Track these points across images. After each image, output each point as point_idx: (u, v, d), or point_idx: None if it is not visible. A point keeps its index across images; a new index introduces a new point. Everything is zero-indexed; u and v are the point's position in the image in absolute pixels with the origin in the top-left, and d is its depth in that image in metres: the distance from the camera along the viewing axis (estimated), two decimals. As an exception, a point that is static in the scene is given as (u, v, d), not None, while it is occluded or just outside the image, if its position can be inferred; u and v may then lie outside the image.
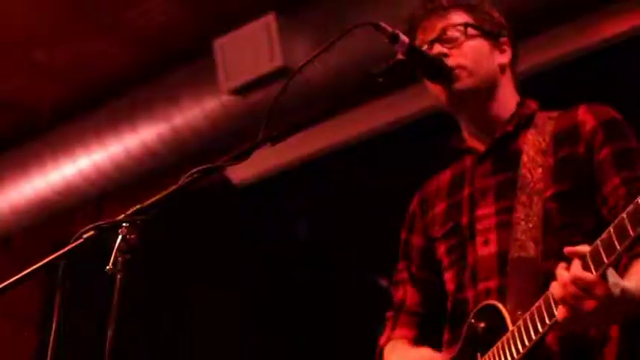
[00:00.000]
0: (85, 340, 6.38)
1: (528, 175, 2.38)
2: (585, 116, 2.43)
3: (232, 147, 2.32)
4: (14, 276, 2.20)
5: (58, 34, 5.89)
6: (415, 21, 2.64)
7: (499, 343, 2.22)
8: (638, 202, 1.87)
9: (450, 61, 2.52)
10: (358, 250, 5.68)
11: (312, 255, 5.94)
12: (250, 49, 5.45)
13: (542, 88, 2.73)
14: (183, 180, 2.18)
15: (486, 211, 2.47)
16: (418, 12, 2.65)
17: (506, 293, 2.30)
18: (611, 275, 1.95)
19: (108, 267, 2.03)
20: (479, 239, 2.46)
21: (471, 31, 2.58)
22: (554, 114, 2.52)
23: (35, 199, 6.44)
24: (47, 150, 6.34)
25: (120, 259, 2.05)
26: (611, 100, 2.56)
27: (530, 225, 2.11)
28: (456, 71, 2.51)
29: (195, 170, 2.19)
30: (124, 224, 2.08)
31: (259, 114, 5.38)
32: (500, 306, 2.27)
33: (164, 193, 2.15)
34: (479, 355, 2.29)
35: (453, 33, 2.57)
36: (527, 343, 2.13)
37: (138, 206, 2.12)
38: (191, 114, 5.78)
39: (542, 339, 2.14)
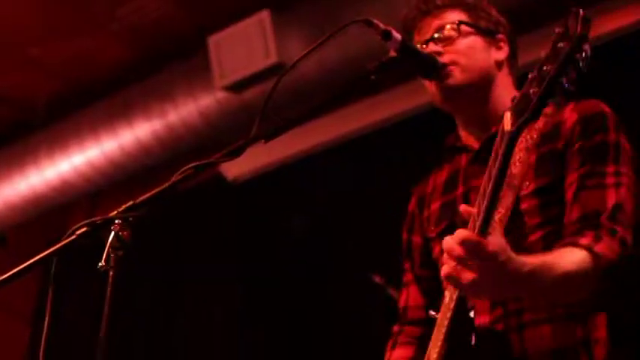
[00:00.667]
0: (81, 335, 6.41)
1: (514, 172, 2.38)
2: (570, 113, 2.41)
3: (227, 144, 2.31)
4: (9, 271, 2.20)
5: (53, 31, 5.90)
6: (411, 22, 2.64)
7: (435, 327, 2.21)
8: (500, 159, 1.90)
9: (444, 59, 2.51)
10: (353, 247, 5.68)
11: (307, 251, 5.94)
12: (245, 46, 5.45)
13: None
14: (176, 176, 2.18)
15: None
16: (413, 13, 2.64)
17: None
18: (494, 239, 1.90)
19: (100, 264, 2.03)
20: None
21: (464, 28, 2.57)
22: (550, 109, 2.51)
23: (30, 195, 6.44)
24: (42, 146, 6.34)
25: (112, 255, 2.05)
26: (612, 94, 2.54)
27: (497, 217, 2.10)
28: (449, 68, 2.50)
29: (188, 167, 2.19)
30: (116, 221, 2.07)
31: (254, 110, 5.37)
32: (446, 290, 2.19)
33: (157, 189, 2.15)
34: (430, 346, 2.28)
35: (447, 31, 2.56)
36: (448, 316, 2.10)
37: (131, 202, 2.12)
38: (186, 110, 5.78)
39: (461, 310, 2.11)
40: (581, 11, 1.81)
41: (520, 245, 2.25)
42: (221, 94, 5.64)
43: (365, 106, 5.76)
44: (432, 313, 2.24)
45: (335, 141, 6.00)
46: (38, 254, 2.17)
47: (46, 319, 2.13)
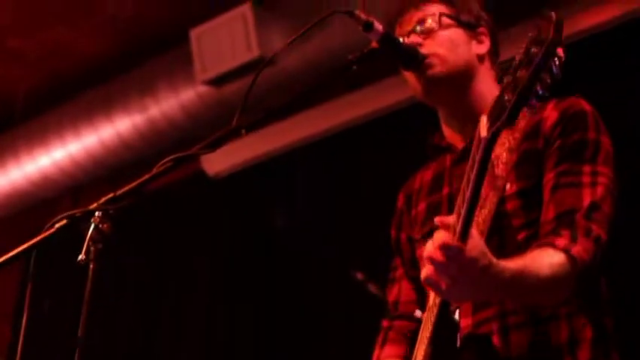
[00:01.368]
0: (61, 331, 6.38)
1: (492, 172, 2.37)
2: (551, 112, 2.40)
3: (205, 139, 2.29)
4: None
5: (32, 23, 5.86)
6: (394, 16, 2.64)
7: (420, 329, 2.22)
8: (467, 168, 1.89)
9: (424, 50, 2.50)
10: (334, 243, 5.67)
11: (289, 247, 5.93)
12: (227, 39, 5.43)
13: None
14: (157, 168, 2.17)
15: None
16: (396, 7, 2.64)
17: None
18: (473, 243, 1.89)
19: (80, 257, 2.01)
20: None
21: (445, 20, 2.56)
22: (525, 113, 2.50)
23: (10, 190, 6.41)
24: (22, 141, 6.30)
25: (92, 248, 2.03)
26: (591, 90, 2.55)
27: (480, 219, 2.08)
28: (429, 59, 2.49)
29: (168, 158, 2.17)
30: (96, 213, 2.06)
31: (235, 105, 5.30)
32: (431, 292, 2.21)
33: (137, 181, 2.14)
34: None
35: (427, 24, 2.56)
36: (432, 320, 2.12)
37: (111, 195, 2.10)
38: (167, 104, 5.75)
39: (445, 313, 2.11)
40: (553, 14, 1.80)
41: (506, 246, 2.27)
42: (202, 88, 5.61)
43: (346, 101, 5.75)
44: (418, 313, 2.24)
45: (316, 136, 5.98)
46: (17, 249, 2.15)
47: (25, 314, 2.11)
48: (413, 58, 2.47)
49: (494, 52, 2.64)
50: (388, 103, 5.57)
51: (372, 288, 4.35)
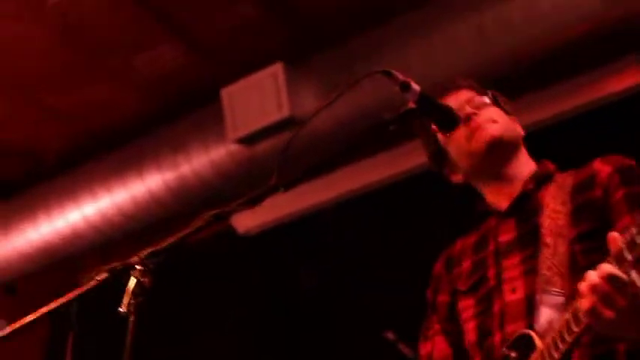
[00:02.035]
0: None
1: (550, 222, 2.42)
2: (601, 166, 2.51)
3: (238, 196, 2.32)
4: (19, 320, 2.18)
5: (67, 80, 5.93)
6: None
7: None
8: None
9: (478, 119, 2.64)
10: (364, 303, 5.66)
11: (318, 306, 5.92)
12: (258, 98, 5.47)
13: (544, 145, 2.81)
14: (196, 223, 2.19)
15: (513, 261, 2.51)
16: (440, 90, 2.73)
17: (535, 324, 2.31)
18: (637, 278, 1.95)
19: (121, 309, 2.03)
20: (506, 287, 2.49)
21: (493, 102, 2.74)
22: (572, 172, 2.59)
23: (41, 244, 6.42)
24: (53, 196, 6.34)
25: (132, 301, 2.04)
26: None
27: (556, 262, 2.13)
28: (486, 123, 2.64)
29: (208, 214, 2.19)
30: (137, 267, 2.07)
31: (266, 163, 5.41)
32: (530, 332, 2.29)
33: (177, 235, 2.16)
34: None
35: (477, 101, 2.72)
36: (555, 355, 2.14)
37: (151, 249, 2.12)
38: (198, 162, 5.79)
39: (569, 351, 2.14)
40: None
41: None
42: (233, 147, 5.65)
43: (376, 161, 5.78)
44: (505, 350, 2.29)
45: (345, 195, 6.01)
46: (47, 304, 2.15)
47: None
48: (451, 119, 2.49)
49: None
50: (417, 163, 5.60)
51: (404, 348, 4.33)
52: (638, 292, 1.95)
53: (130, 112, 6.21)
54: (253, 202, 2.28)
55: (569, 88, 5.18)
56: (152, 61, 5.76)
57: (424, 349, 2.77)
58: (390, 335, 4.60)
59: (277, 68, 5.45)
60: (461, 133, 2.63)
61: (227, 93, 5.60)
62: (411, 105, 2.41)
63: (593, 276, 1.99)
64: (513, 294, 2.46)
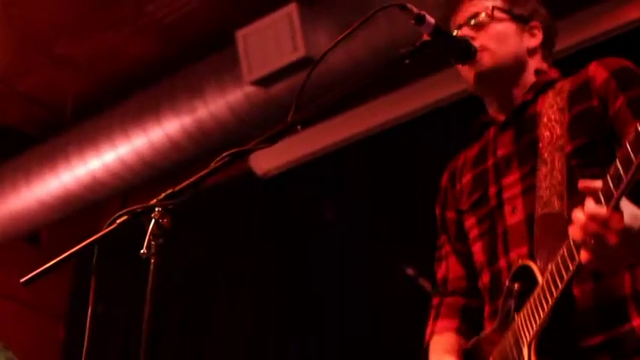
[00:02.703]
0: (115, 327, 6.45)
1: (548, 134, 2.41)
2: (596, 70, 2.45)
3: (256, 138, 2.32)
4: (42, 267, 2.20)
5: (80, 28, 5.93)
6: (451, 9, 2.69)
7: (531, 299, 2.23)
8: (638, 128, 1.85)
9: (475, 43, 2.55)
10: (385, 239, 5.68)
11: (339, 244, 5.95)
12: (273, 40, 5.45)
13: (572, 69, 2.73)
14: (214, 163, 2.19)
15: (512, 178, 2.51)
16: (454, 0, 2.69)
17: (536, 251, 2.31)
18: (626, 207, 1.93)
19: (142, 251, 2.04)
20: (507, 208, 2.49)
21: (498, 14, 2.62)
22: (572, 77, 2.54)
23: (62, 193, 6.46)
24: (73, 144, 6.36)
25: (153, 242, 2.05)
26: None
27: (554, 182, 2.11)
28: (479, 53, 2.54)
29: (226, 154, 2.19)
30: (157, 208, 2.08)
31: (282, 104, 5.40)
32: (531, 264, 2.28)
33: (196, 176, 2.16)
34: (515, 314, 2.30)
35: (480, 17, 2.62)
36: (554, 292, 2.14)
37: (170, 190, 2.12)
38: (214, 105, 5.79)
39: (568, 287, 2.14)
40: None
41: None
42: (250, 89, 5.64)
43: (392, 98, 5.77)
44: (509, 282, 2.29)
45: (363, 134, 6.01)
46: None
47: (90, 308, 2.14)
48: (465, 51, 2.50)
49: (547, 45, 2.69)
50: (434, 98, 5.59)
51: (424, 283, 4.36)
52: (626, 226, 1.93)
53: (144, 59, 6.21)
54: (271, 140, 2.27)
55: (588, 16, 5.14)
56: (165, 7, 5.74)
57: (439, 271, 2.79)
58: (410, 271, 4.62)
59: (292, 9, 5.41)
60: None
61: (242, 35, 5.57)
62: (426, 37, 2.41)
63: (580, 215, 1.96)
64: (514, 215, 2.45)
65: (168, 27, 5.94)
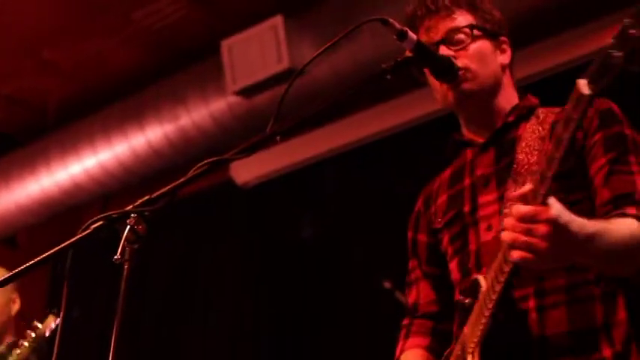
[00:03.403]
0: (88, 331, 6.42)
1: (525, 159, 2.40)
2: None
3: (237, 147, 2.32)
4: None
5: (67, 33, 5.92)
6: (417, 20, 2.64)
7: (475, 309, 2.25)
8: (556, 129, 1.91)
9: (458, 63, 2.52)
10: (362, 253, 5.69)
11: (316, 256, 5.95)
12: (257, 51, 5.46)
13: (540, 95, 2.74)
14: (192, 172, 2.18)
15: (489, 197, 2.50)
16: (420, 10, 2.64)
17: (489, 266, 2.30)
18: (554, 203, 1.95)
19: (116, 256, 2.03)
20: (482, 225, 2.48)
21: (476, 32, 2.59)
22: (557, 109, 2.54)
23: (41, 197, 6.45)
24: (54, 148, 6.36)
25: (128, 249, 2.05)
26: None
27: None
28: (462, 73, 2.52)
29: (204, 162, 2.19)
30: (132, 215, 2.07)
31: (265, 115, 5.38)
32: (479, 277, 2.29)
33: (173, 184, 2.15)
34: (465, 327, 2.31)
35: (459, 35, 2.58)
36: (493, 298, 2.15)
37: (147, 197, 2.12)
38: (197, 114, 5.79)
39: (505, 291, 2.15)
40: None
41: None
42: (233, 99, 5.66)
43: (373, 113, 5.79)
44: (461, 298, 2.29)
45: (343, 147, 6.02)
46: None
47: (62, 312, 2.13)
48: (448, 69, 2.49)
49: (512, 60, 2.68)
50: (414, 115, 5.60)
51: (401, 297, 4.36)
52: (553, 217, 1.94)
53: (130, 66, 6.21)
54: (249, 150, 2.26)
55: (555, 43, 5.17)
56: (152, 15, 5.74)
57: (410, 296, 2.78)
58: (387, 284, 4.63)
59: (277, 21, 5.43)
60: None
61: (227, 45, 5.59)
62: (408, 54, 2.41)
63: (509, 219, 1.98)
64: (488, 232, 2.45)
65: (155, 35, 5.94)
